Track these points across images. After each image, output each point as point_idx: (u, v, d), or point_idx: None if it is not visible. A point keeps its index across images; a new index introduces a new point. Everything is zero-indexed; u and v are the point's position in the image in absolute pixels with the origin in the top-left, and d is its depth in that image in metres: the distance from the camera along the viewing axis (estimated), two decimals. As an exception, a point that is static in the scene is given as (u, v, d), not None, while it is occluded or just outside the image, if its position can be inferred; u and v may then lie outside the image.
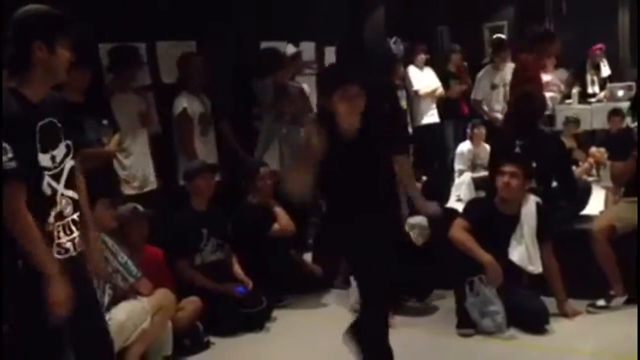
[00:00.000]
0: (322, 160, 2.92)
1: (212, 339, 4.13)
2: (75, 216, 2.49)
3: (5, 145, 2.26)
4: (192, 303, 4.07)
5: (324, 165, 2.93)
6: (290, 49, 5.65)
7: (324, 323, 4.44)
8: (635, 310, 4.23)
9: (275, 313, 4.52)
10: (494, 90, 7.19)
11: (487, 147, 7.20)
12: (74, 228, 2.49)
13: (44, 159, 2.38)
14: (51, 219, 2.41)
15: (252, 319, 4.32)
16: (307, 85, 5.62)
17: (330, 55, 6.74)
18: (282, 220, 4.83)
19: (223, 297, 4.30)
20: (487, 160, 6.67)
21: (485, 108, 7.21)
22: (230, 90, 5.33)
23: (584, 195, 4.96)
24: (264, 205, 4.85)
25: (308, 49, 5.92)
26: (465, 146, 7.18)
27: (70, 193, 2.49)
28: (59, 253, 2.43)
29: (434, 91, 7.56)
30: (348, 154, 3.01)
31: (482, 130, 7.06)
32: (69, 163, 2.48)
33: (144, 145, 4.73)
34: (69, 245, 2.47)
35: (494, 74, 7.27)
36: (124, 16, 4.72)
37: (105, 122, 4.29)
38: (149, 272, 3.86)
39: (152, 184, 4.77)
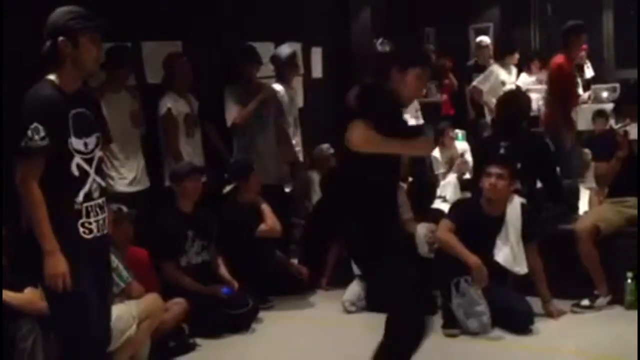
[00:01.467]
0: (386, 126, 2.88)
1: (198, 340, 4.11)
2: (101, 201, 2.72)
3: (38, 125, 2.51)
4: (177, 305, 4.05)
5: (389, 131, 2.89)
6: (285, 50, 5.64)
7: (310, 324, 4.44)
8: (618, 310, 4.28)
9: (261, 314, 4.51)
10: (505, 87, 7.21)
11: (460, 146, 7.24)
12: (99, 211, 2.70)
13: (77, 143, 2.62)
14: (79, 199, 2.63)
15: (238, 321, 4.30)
16: (282, 87, 5.56)
17: (316, 55, 6.74)
18: (269, 220, 4.82)
19: (208, 298, 4.28)
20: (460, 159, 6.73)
21: (486, 100, 7.22)
22: (216, 90, 5.29)
23: (571, 197, 5.00)
24: (252, 204, 4.84)
25: (295, 49, 5.89)
26: (435, 152, 7.20)
27: (99, 179, 2.73)
28: (84, 233, 2.65)
29: None
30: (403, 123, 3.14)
31: (451, 133, 7.12)
32: (99, 153, 2.73)
33: (137, 145, 4.73)
34: (94, 226, 2.67)
35: (504, 71, 7.33)
36: (109, 16, 4.68)
37: None
38: (135, 274, 3.84)
39: (145, 183, 4.76)
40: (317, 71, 6.76)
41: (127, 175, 4.66)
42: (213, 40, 5.53)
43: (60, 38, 2.60)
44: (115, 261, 3.65)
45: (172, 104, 4.83)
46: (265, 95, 5.13)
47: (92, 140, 2.68)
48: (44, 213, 2.54)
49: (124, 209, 4.01)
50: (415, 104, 7.63)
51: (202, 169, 4.73)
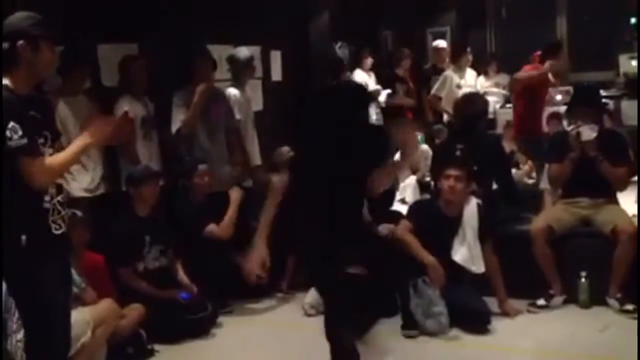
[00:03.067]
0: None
1: (156, 346, 4.07)
2: (61, 198, 2.78)
3: (14, 124, 2.56)
4: (134, 310, 4.00)
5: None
6: (243, 52, 5.59)
7: (270, 328, 4.42)
8: (573, 308, 4.37)
9: (221, 319, 4.48)
10: (460, 90, 7.29)
11: (424, 148, 7.32)
12: (61, 208, 2.77)
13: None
14: (47, 197, 2.70)
15: (197, 325, 4.27)
16: (237, 91, 5.51)
17: (275, 59, 6.73)
18: (224, 221, 4.77)
19: (167, 303, 4.24)
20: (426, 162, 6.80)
21: (444, 105, 7.30)
22: (172, 93, 5.23)
23: (524, 198, 5.08)
24: (201, 204, 4.79)
25: (253, 53, 5.87)
26: (421, 146, 7.30)
27: None
28: (55, 229, 2.72)
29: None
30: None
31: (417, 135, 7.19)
32: (48, 152, 2.74)
33: (94, 149, 4.64)
34: (60, 222, 2.75)
35: (459, 75, 7.40)
36: (64, 18, 4.61)
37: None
38: (89, 279, 3.79)
39: (102, 187, 4.69)
40: (276, 74, 6.75)
41: (84, 179, 4.57)
42: (170, 42, 5.47)
43: (20, 42, 2.64)
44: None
45: (129, 107, 4.75)
46: (201, 98, 4.94)
47: (41, 142, 2.71)
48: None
49: (78, 213, 3.94)
50: (374, 107, 7.68)
51: (159, 172, 4.67)
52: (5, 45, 2.66)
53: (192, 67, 5.07)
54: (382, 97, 7.72)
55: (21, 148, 2.56)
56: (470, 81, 7.53)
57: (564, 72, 7.31)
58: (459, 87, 7.32)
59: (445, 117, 7.46)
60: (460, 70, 7.45)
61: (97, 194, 4.64)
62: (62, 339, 2.78)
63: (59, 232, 2.74)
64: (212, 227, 4.72)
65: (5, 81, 2.65)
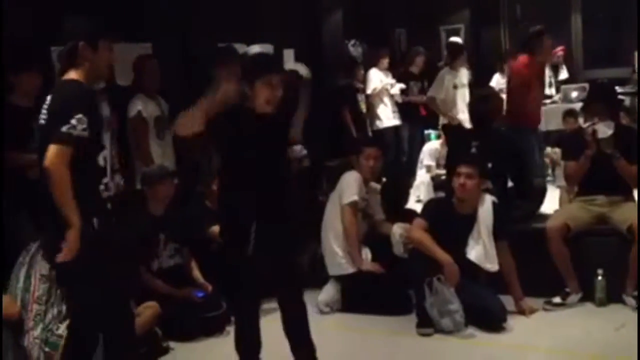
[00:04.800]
0: (229, 137, 3.18)
1: (171, 343, 4.09)
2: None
3: (83, 117, 2.73)
4: (149, 308, 4.01)
5: (232, 142, 3.18)
6: (255, 51, 5.59)
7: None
8: (589, 307, 4.34)
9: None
10: (456, 90, 7.26)
11: (433, 146, 7.31)
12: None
13: (105, 139, 3.06)
14: (102, 187, 2.97)
15: (212, 323, 4.27)
16: None
17: (289, 57, 6.73)
18: None
19: (182, 301, 4.25)
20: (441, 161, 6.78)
21: (440, 106, 7.26)
22: (186, 92, 5.24)
23: (540, 195, 5.04)
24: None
25: (266, 51, 5.88)
26: (433, 144, 7.29)
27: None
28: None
29: (383, 88, 7.57)
30: (256, 134, 3.18)
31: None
32: (103, 154, 3.19)
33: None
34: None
35: (454, 75, 7.35)
36: (77, 18, 4.63)
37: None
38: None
39: (120, 187, 4.71)
40: (289, 73, 6.75)
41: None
42: (183, 42, 5.49)
43: (81, 42, 2.86)
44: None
45: (142, 106, 4.79)
46: (224, 96, 4.95)
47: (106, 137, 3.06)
48: (70, 194, 2.71)
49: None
50: (390, 105, 7.67)
51: (173, 172, 4.69)
52: (68, 45, 2.87)
53: (218, 66, 5.09)
54: (396, 89, 7.69)
55: (81, 138, 2.71)
56: (464, 80, 7.42)
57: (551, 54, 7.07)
58: (455, 87, 7.27)
59: (442, 120, 7.37)
60: (455, 70, 7.35)
61: (110, 194, 4.66)
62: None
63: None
64: (215, 229, 4.70)
65: (77, 77, 2.85)
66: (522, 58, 5.94)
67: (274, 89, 3.18)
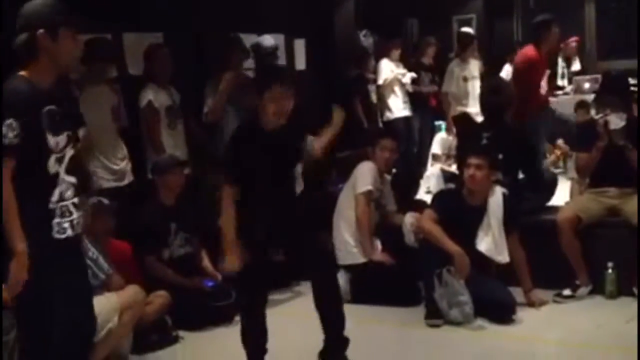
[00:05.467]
0: (242, 150, 3.23)
1: (181, 333, 4.11)
2: (75, 200, 2.66)
3: (13, 122, 2.42)
4: (160, 297, 4.04)
5: (245, 154, 3.21)
6: (268, 41, 5.60)
7: (292, 317, 4.43)
8: (599, 299, 4.33)
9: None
10: (467, 82, 7.21)
11: (443, 137, 7.30)
12: (73, 210, 2.65)
13: (52, 141, 2.55)
14: (54, 198, 2.58)
15: (221, 313, 4.29)
16: None
17: (300, 47, 6.72)
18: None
19: (192, 291, 4.27)
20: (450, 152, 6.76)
21: (451, 101, 7.21)
22: (197, 82, 5.25)
23: (550, 187, 5.02)
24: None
25: (277, 41, 5.87)
26: (444, 135, 7.27)
27: (71, 179, 2.65)
28: (58, 232, 2.59)
29: (395, 78, 7.53)
30: (267, 146, 3.22)
31: None
32: (70, 152, 2.64)
33: (117, 139, 4.69)
34: (66, 225, 2.62)
35: (463, 67, 7.30)
36: (89, 7, 4.64)
37: None
38: (116, 266, 3.83)
39: (129, 177, 4.73)
40: (300, 63, 6.74)
41: (113, 169, 4.63)
42: (195, 31, 5.49)
43: (40, 31, 2.52)
44: (95, 253, 3.64)
45: (153, 96, 4.79)
46: (226, 85, 4.99)
47: (62, 139, 2.60)
48: (15, 213, 2.44)
49: (104, 201, 3.99)
50: (402, 96, 7.64)
51: (185, 161, 4.70)
52: (23, 35, 2.52)
53: (224, 56, 5.11)
54: (407, 78, 7.65)
55: (7, 147, 2.42)
56: (475, 72, 7.35)
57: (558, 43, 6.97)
58: (465, 79, 7.21)
59: (453, 111, 7.24)
60: (464, 62, 7.29)
61: (124, 183, 4.69)
62: (61, 345, 2.60)
63: (62, 236, 2.59)
64: None
65: (24, 73, 2.54)
66: (528, 48, 5.88)
67: (283, 102, 3.18)
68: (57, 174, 2.58)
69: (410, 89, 7.71)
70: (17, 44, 2.55)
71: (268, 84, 3.20)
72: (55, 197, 2.57)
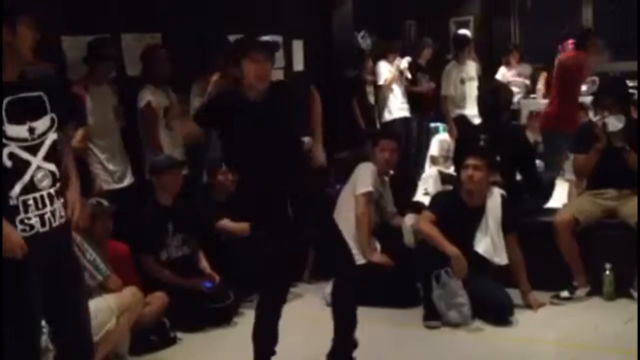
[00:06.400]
0: (225, 119, 3.22)
1: (179, 334, 4.10)
2: (52, 190, 2.50)
3: None
4: (158, 298, 4.03)
5: (232, 123, 3.19)
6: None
7: (292, 317, 4.42)
8: (597, 301, 4.33)
9: (243, 308, 4.50)
10: (464, 85, 7.22)
11: (442, 138, 7.30)
12: (47, 202, 2.49)
13: (14, 130, 2.41)
14: (15, 192, 2.42)
15: (220, 314, 4.29)
16: None
17: (298, 48, 6.73)
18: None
19: (190, 292, 4.26)
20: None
21: (450, 105, 7.21)
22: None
23: (548, 189, 5.03)
24: (224, 200, 4.78)
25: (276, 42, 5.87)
26: (442, 137, 7.27)
27: (50, 166, 2.51)
28: (22, 230, 2.43)
29: (395, 77, 7.52)
30: (252, 115, 3.20)
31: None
32: (52, 136, 2.52)
33: (118, 139, 4.69)
34: (34, 221, 2.46)
35: (460, 69, 7.30)
36: (87, 8, 4.65)
37: None
38: (114, 267, 3.82)
39: (129, 178, 4.72)
40: (298, 64, 6.75)
41: (114, 171, 4.63)
42: (193, 32, 5.49)
43: None
44: (93, 254, 3.63)
45: (152, 97, 4.79)
46: (214, 87, 4.97)
47: (42, 123, 2.50)
48: None
49: (104, 202, 3.99)
50: (400, 96, 7.63)
51: (182, 162, 4.70)
52: None
53: (212, 57, 5.10)
54: (404, 63, 7.59)
55: None
56: (472, 74, 7.34)
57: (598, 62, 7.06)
58: (462, 81, 7.21)
59: (447, 115, 7.23)
60: (461, 64, 7.27)
61: (123, 185, 4.68)
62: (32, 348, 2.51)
63: (29, 234, 2.43)
64: (225, 222, 4.72)
65: None
66: (574, 53, 5.90)
67: (261, 64, 3.19)
68: (24, 164, 2.44)
69: (407, 73, 7.61)
70: None
71: (245, 50, 3.21)
72: (16, 190, 2.41)
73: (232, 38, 5.43)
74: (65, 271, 2.63)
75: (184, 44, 5.32)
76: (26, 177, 2.44)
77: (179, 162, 4.60)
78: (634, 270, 4.21)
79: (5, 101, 2.41)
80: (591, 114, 5.58)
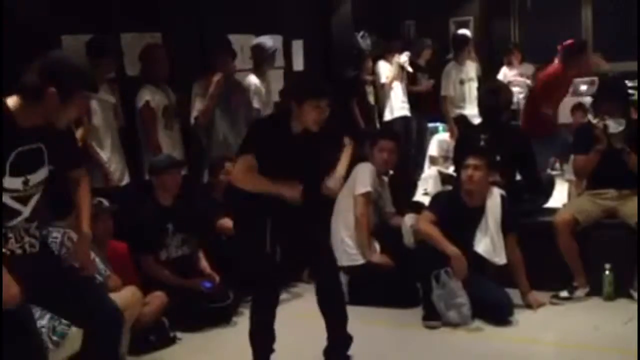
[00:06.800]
0: (269, 152, 3.28)
1: (179, 334, 4.10)
2: (28, 226, 2.60)
3: None
4: (157, 298, 4.03)
5: (273, 155, 3.26)
6: (269, 43, 5.60)
7: (291, 317, 4.42)
8: (597, 301, 4.33)
9: (242, 307, 4.49)
10: (463, 85, 7.21)
11: (442, 138, 7.30)
12: (22, 235, 2.59)
13: (11, 182, 2.47)
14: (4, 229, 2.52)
15: (219, 314, 4.29)
16: (257, 80, 5.53)
17: (297, 48, 6.72)
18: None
19: (189, 292, 4.26)
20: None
21: (450, 105, 7.20)
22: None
23: (548, 189, 5.03)
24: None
25: (275, 41, 5.87)
26: (442, 136, 7.26)
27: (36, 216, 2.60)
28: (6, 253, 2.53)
29: (396, 75, 7.51)
30: (291, 146, 3.33)
31: None
32: (41, 188, 2.57)
33: (117, 139, 4.69)
34: (15, 247, 2.57)
35: (460, 69, 7.29)
36: (87, 8, 4.64)
37: None
38: (113, 267, 3.82)
39: (126, 178, 4.73)
40: (298, 64, 6.74)
41: (113, 170, 4.62)
42: (193, 31, 5.49)
43: (52, 89, 2.40)
44: (92, 255, 3.62)
45: (150, 96, 4.79)
46: (216, 87, 5.00)
47: (38, 175, 2.54)
48: None
49: (105, 202, 3.98)
50: (401, 95, 7.61)
51: (181, 162, 4.70)
52: (35, 78, 2.41)
53: (212, 57, 5.10)
54: (404, 57, 7.58)
55: None
56: (472, 74, 7.34)
57: (590, 69, 7.08)
58: (461, 82, 7.20)
59: (452, 113, 7.21)
60: (460, 64, 7.26)
61: (122, 185, 4.68)
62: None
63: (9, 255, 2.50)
64: (225, 221, 4.70)
65: (11, 104, 2.43)
66: (554, 68, 5.91)
67: (321, 110, 3.32)
68: (13, 213, 2.52)
69: (407, 67, 7.59)
70: (26, 81, 2.44)
71: (313, 93, 3.32)
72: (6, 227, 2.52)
73: (232, 38, 5.49)
74: (60, 277, 2.72)
75: (184, 43, 5.32)
76: (13, 222, 2.53)
77: (178, 162, 4.60)
78: (634, 271, 4.21)
79: (16, 151, 2.44)
80: (590, 116, 5.58)
